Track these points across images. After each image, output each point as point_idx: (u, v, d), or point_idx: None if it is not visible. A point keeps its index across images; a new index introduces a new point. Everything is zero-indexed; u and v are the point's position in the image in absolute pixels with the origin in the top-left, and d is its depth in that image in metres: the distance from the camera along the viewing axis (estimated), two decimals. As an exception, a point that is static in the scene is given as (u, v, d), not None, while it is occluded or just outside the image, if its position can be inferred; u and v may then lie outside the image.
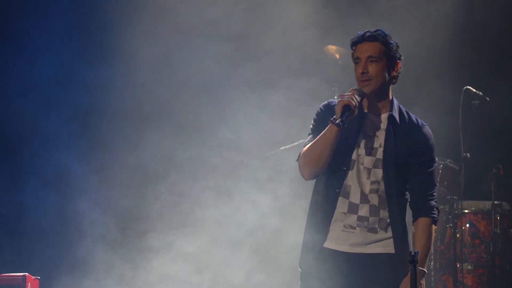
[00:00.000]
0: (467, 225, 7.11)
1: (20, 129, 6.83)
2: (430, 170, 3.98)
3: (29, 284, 4.77)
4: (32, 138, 6.81)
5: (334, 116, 3.85)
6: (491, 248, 6.94)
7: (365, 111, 3.97)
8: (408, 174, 3.97)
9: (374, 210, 3.91)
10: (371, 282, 3.92)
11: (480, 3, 7.67)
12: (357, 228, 3.91)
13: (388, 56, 3.91)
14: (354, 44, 3.95)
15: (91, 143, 7.00)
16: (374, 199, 3.91)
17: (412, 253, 3.42)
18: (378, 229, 3.92)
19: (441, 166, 7.36)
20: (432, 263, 7.15)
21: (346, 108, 3.83)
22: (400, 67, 3.97)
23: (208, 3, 7.02)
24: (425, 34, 7.54)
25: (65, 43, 6.88)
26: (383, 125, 3.96)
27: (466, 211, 7.13)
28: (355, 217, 3.91)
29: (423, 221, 3.96)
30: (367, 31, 3.93)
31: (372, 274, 3.91)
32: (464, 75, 7.43)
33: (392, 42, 3.93)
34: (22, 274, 4.79)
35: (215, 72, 7.02)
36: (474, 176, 7.14)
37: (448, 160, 7.39)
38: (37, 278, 4.94)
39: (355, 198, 3.92)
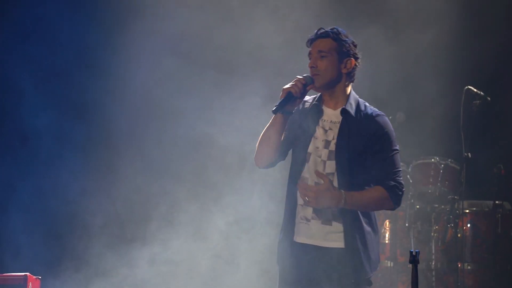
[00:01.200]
0: (468, 225, 7.11)
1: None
2: (388, 156, 4.02)
3: (30, 284, 4.77)
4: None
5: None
6: (492, 248, 6.94)
7: (323, 106, 4.09)
8: (367, 165, 4.01)
9: None
10: (326, 275, 3.97)
11: (483, 3, 7.67)
12: (312, 220, 3.99)
13: (339, 53, 4.02)
14: (311, 41, 4.07)
15: (93, 144, 7.02)
16: None
17: (414, 253, 3.41)
18: (333, 221, 3.99)
19: (442, 166, 7.36)
20: (433, 263, 7.15)
21: (289, 95, 3.95)
22: (355, 65, 4.06)
23: (198, 11, 7.06)
24: (426, 33, 7.54)
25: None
26: (338, 118, 4.05)
27: (467, 211, 7.13)
28: (310, 209, 4.00)
29: (376, 186, 3.99)
30: (321, 28, 4.07)
31: (327, 267, 3.96)
32: (466, 75, 7.43)
33: (346, 39, 4.04)
34: (23, 274, 4.78)
35: (210, 75, 7.04)
36: (476, 176, 7.13)
37: (449, 160, 7.39)
38: (38, 278, 4.93)
39: None
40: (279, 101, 3.96)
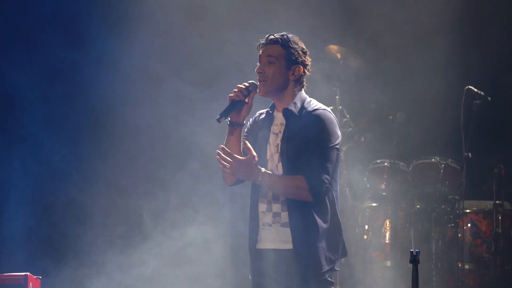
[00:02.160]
0: (469, 225, 7.12)
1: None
2: (317, 148, 3.95)
3: (30, 284, 4.77)
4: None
5: None
6: (492, 248, 6.94)
7: (275, 111, 4.13)
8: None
9: (284, 206, 4.01)
10: (286, 276, 4.00)
11: (484, 3, 7.67)
12: (273, 224, 4.04)
13: (287, 60, 4.04)
14: (261, 46, 4.09)
15: (89, 140, 7.03)
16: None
17: (414, 253, 3.41)
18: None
19: (443, 166, 7.37)
20: (433, 263, 7.15)
21: (233, 102, 4.01)
22: (304, 72, 4.08)
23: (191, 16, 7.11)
24: (427, 33, 7.54)
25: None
26: (284, 121, 4.07)
27: (468, 210, 7.14)
28: (271, 214, 4.04)
29: (299, 175, 3.93)
30: (271, 34, 4.09)
31: (286, 269, 4.00)
32: (466, 75, 7.43)
33: (295, 46, 4.06)
34: (23, 273, 4.78)
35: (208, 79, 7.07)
36: (476, 176, 7.14)
37: (450, 160, 7.39)
38: (39, 278, 4.93)
39: (269, 196, 4.05)
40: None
